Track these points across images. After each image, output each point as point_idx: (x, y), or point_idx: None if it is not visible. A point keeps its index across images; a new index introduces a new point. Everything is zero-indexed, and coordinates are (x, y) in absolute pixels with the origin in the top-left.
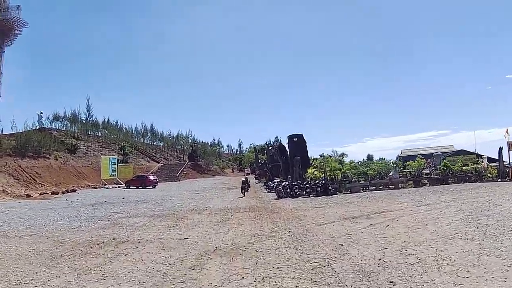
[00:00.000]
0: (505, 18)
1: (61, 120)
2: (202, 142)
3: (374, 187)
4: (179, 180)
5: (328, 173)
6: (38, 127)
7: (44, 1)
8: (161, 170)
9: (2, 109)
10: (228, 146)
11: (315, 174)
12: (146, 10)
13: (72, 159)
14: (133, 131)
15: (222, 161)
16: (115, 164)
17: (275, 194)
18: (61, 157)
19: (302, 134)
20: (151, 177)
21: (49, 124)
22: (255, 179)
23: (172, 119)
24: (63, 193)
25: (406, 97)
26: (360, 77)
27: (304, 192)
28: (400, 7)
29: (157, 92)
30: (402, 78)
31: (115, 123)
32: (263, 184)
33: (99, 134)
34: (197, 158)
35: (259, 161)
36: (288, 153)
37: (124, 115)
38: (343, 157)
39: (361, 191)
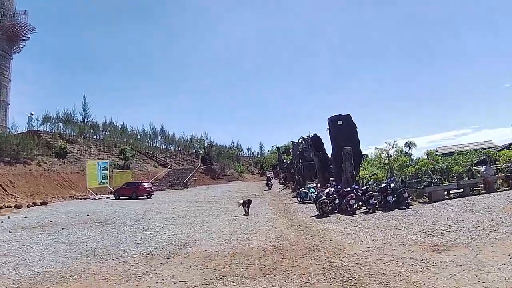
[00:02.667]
0: None
1: (52, 121)
2: (219, 145)
3: (461, 190)
4: (187, 188)
5: (395, 172)
6: (28, 130)
7: (54, 8)
8: (168, 176)
9: (12, 115)
10: (248, 149)
11: (376, 174)
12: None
13: (60, 164)
14: (140, 133)
15: (242, 165)
16: (106, 170)
17: (313, 205)
18: (45, 163)
19: (349, 115)
20: (145, 185)
21: (39, 126)
22: (280, 184)
23: (189, 124)
24: (28, 206)
25: (424, 98)
26: (379, 78)
27: (362, 204)
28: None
29: (174, 98)
30: (419, 79)
31: (119, 125)
32: (291, 191)
33: (99, 137)
34: (211, 162)
35: (284, 161)
36: (330, 143)
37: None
38: (409, 148)
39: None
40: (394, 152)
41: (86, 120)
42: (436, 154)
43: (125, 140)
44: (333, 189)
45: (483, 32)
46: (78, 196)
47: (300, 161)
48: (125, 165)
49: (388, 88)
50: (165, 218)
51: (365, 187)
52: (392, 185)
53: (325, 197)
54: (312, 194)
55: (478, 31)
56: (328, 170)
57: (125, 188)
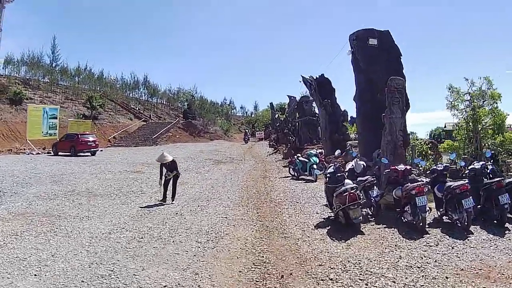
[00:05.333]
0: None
1: (15, 63)
2: (205, 98)
3: None
4: (156, 145)
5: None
6: None
7: None
8: (140, 130)
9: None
10: (241, 107)
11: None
12: None
13: (11, 112)
14: (119, 82)
15: (233, 123)
16: (55, 118)
17: (314, 185)
18: None
19: (389, 32)
20: (89, 138)
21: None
22: (270, 147)
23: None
24: None
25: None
26: None
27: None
28: None
29: (169, 54)
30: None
31: (97, 72)
32: (283, 157)
33: (69, 84)
34: (193, 117)
35: (277, 117)
36: (354, 80)
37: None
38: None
39: None
40: (483, 101)
41: (54, 64)
42: (443, 130)
43: (98, 88)
44: (362, 164)
45: None
46: (20, 149)
47: (298, 116)
48: (92, 115)
49: None
50: (36, 196)
51: (441, 166)
52: (490, 166)
53: (353, 184)
54: (314, 165)
55: None
56: (339, 129)
57: (64, 141)
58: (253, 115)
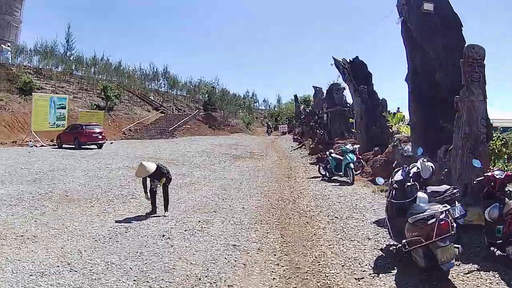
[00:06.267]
0: None
1: (27, 53)
2: (226, 89)
3: None
4: (173, 137)
5: None
6: None
7: None
8: (157, 122)
9: None
10: (264, 101)
11: None
12: None
13: (19, 102)
14: (137, 73)
15: (256, 117)
16: (63, 108)
17: (352, 188)
18: (1, 100)
19: None
20: (96, 129)
21: (12, 59)
22: (294, 141)
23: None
24: None
25: None
26: None
27: None
28: None
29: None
30: None
31: (115, 62)
32: (309, 153)
33: (84, 74)
34: (214, 109)
35: (302, 110)
36: (405, 56)
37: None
38: None
39: None
40: None
41: (68, 53)
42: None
43: (114, 78)
44: (430, 166)
45: None
46: (25, 141)
47: (326, 106)
48: (107, 106)
49: None
50: None
51: None
52: None
53: (444, 206)
54: (351, 163)
55: None
56: (378, 120)
57: (68, 133)
58: (276, 109)
